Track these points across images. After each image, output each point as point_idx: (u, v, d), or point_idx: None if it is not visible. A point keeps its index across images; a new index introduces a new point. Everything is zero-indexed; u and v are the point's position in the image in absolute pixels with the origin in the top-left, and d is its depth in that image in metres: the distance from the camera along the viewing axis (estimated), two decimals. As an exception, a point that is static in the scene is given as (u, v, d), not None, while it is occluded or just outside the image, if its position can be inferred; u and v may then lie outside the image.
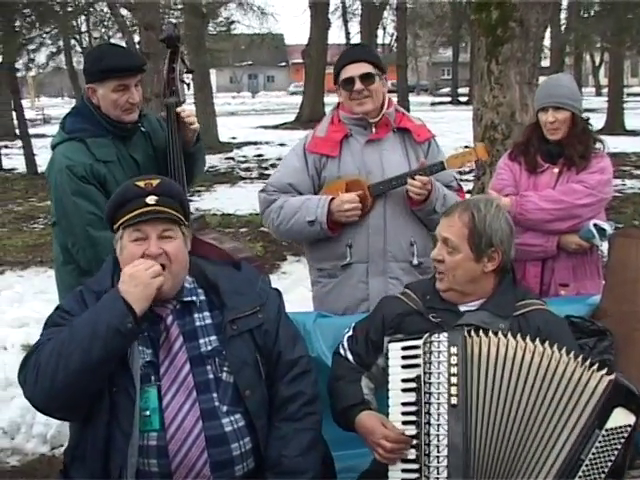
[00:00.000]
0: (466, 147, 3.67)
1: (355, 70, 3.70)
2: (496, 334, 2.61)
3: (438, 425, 2.54)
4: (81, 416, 2.61)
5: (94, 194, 3.39)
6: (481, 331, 2.63)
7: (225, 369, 2.66)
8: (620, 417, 2.46)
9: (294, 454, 2.65)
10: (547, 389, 2.53)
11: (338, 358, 2.98)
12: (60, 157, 3.45)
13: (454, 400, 2.54)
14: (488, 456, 2.52)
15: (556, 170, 3.95)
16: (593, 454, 2.45)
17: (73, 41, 31.64)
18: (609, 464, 2.46)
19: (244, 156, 20.48)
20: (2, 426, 4.79)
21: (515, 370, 2.55)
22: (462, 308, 2.85)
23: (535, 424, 2.51)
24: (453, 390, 2.54)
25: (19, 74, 22.37)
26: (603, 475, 2.46)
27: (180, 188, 2.91)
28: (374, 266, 3.73)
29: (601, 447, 2.46)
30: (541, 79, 5.71)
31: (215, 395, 2.63)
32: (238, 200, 12.86)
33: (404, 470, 2.61)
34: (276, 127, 29.40)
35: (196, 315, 2.72)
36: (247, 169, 17.84)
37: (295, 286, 7.13)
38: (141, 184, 2.67)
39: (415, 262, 3.73)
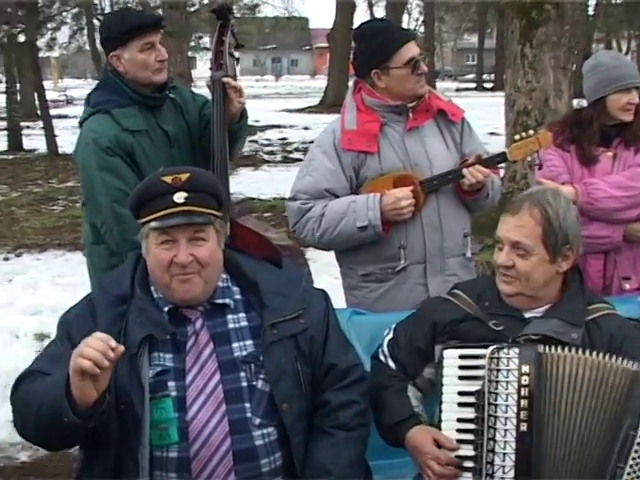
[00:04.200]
0: (526, 135, 3.34)
1: (415, 49, 3.35)
2: (570, 349, 2.32)
3: (504, 454, 2.26)
4: (79, 443, 2.39)
5: (121, 168, 3.26)
6: (554, 347, 2.33)
7: (261, 377, 2.38)
8: None
9: (345, 464, 2.38)
10: (603, 404, 2.28)
11: (378, 364, 2.66)
12: (86, 132, 3.35)
13: (523, 426, 2.26)
14: None
15: (610, 154, 3.65)
16: (634, 458, 2.17)
17: (96, 21, 31.51)
18: None
19: (268, 139, 20.22)
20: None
21: (589, 391, 2.28)
22: (527, 314, 2.51)
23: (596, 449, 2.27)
24: (523, 415, 2.26)
25: (41, 54, 22.39)
26: None
27: (214, 178, 2.66)
28: (432, 265, 3.43)
29: None
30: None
31: (248, 405, 2.35)
32: (262, 184, 12.65)
33: None
34: (300, 111, 29.21)
35: (230, 316, 2.43)
36: (271, 152, 17.61)
37: (320, 273, 6.88)
38: (168, 179, 2.34)
39: (468, 255, 3.49)
